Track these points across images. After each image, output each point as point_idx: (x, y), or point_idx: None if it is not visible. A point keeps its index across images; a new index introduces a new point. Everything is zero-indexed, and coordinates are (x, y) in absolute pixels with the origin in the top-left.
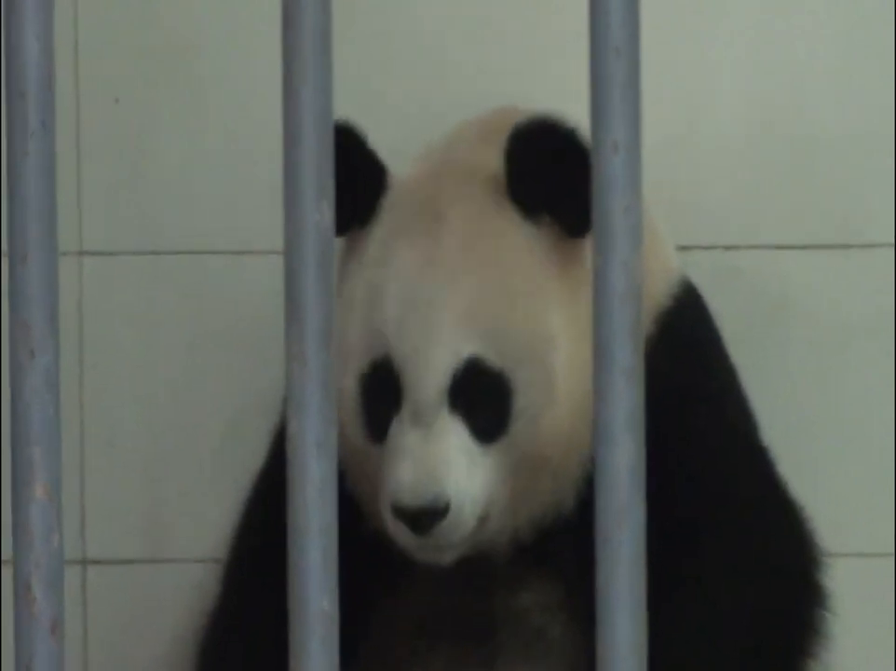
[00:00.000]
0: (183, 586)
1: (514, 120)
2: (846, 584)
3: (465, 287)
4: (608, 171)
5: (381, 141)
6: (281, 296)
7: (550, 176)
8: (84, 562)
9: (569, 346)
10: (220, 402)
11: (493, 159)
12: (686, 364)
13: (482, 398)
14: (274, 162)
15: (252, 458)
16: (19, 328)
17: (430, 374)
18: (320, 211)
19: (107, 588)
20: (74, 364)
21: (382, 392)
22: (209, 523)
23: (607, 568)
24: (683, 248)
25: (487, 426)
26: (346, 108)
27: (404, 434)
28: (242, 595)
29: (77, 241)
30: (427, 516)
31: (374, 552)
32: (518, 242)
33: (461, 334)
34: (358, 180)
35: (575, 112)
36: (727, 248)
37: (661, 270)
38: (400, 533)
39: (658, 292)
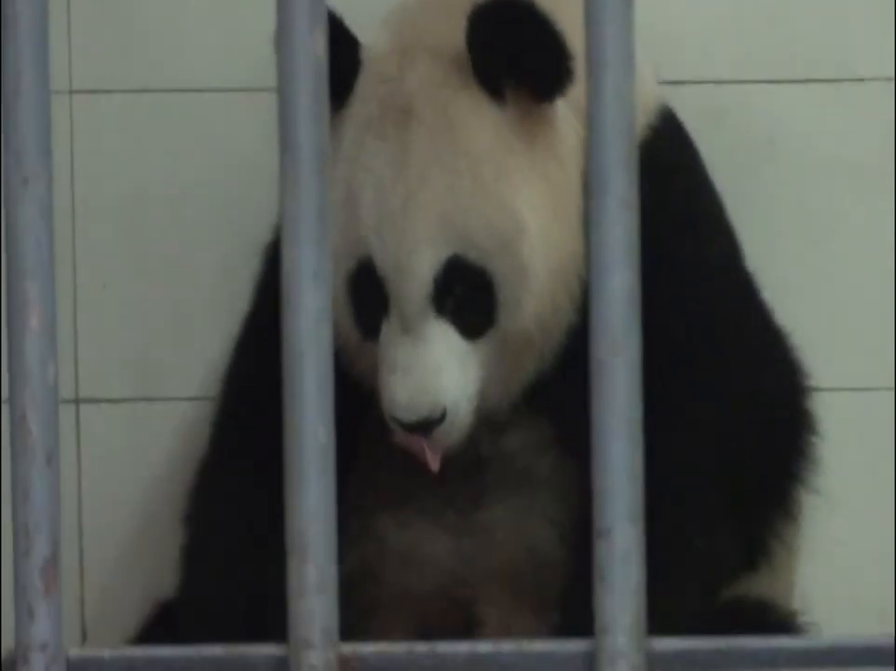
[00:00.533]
0: (176, 425)
1: None
2: (847, 418)
3: (436, 187)
4: None
5: None
6: (275, 135)
7: (513, 49)
8: (77, 401)
9: (542, 224)
10: (212, 240)
11: (457, 33)
12: (666, 194)
13: (466, 296)
14: None
15: (243, 297)
16: (12, 158)
17: (413, 281)
18: (314, 37)
19: (100, 427)
20: (65, 205)
21: (369, 294)
22: (201, 361)
23: (603, 394)
24: (671, 83)
25: (474, 323)
26: None
27: (394, 345)
28: (235, 437)
29: (67, 80)
30: (424, 425)
31: (362, 393)
32: (485, 127)
33: (438, 236)
34: (332, 56)
35: None
36: (716, 83)
37: (639, 101)
38: (401, 434)
39: (637, 123)
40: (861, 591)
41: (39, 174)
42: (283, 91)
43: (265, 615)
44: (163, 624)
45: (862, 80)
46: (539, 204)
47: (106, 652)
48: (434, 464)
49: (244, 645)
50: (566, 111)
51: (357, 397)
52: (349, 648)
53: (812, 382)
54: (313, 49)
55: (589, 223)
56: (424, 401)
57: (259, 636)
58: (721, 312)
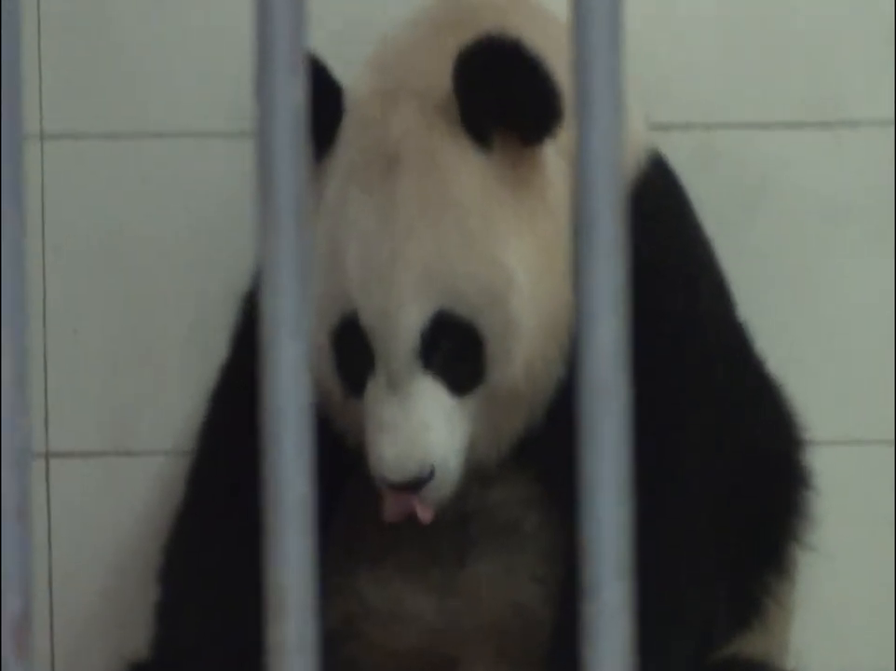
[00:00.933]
0: (149, 479)
1: (465, 22)
2: (845, 472)
3: (423, 240)
4: (590, 36)
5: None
6: (249, 180)
7: (501, 92)
8: (47, 455)
9: (530, 276)
10: (188, 290)
11: (443, 75)
12: (655, 240)
13: (454, 352)
14: (241, 41)
15: (220, 348)
16: None
17: (399, 337)
18: (293, 81)
19: (71, 481)
20: (36, 252)
21: (354, 350)
22: (174, 414)
23: (590, 447)
24: (661, 127)
25: (463, 379)
26: None
27: (381, 402)
28: (211, 492)
29: (38, 124)
30: (413, 484)
31: (344, 448)
32: (472, 176)
33: (424, 291)
34: (315, 104)
35: None
36: (707, 127)
37: (628, 145)
38: (387, 493)
39: (626, 167)
40: (858, 650)
41: (11, 220)
42: (262, 136)
43: None
44: None
45: (856, 123)
46: (528, 255)
47: None
48: (425, 516)
49: None
50: (554, 155)
51: (339, 452)
52: None
53: (809, 435)
54: (293, 94)
55: (576, 270)
56: (412, 460)
57: None
58: (712, 363)
